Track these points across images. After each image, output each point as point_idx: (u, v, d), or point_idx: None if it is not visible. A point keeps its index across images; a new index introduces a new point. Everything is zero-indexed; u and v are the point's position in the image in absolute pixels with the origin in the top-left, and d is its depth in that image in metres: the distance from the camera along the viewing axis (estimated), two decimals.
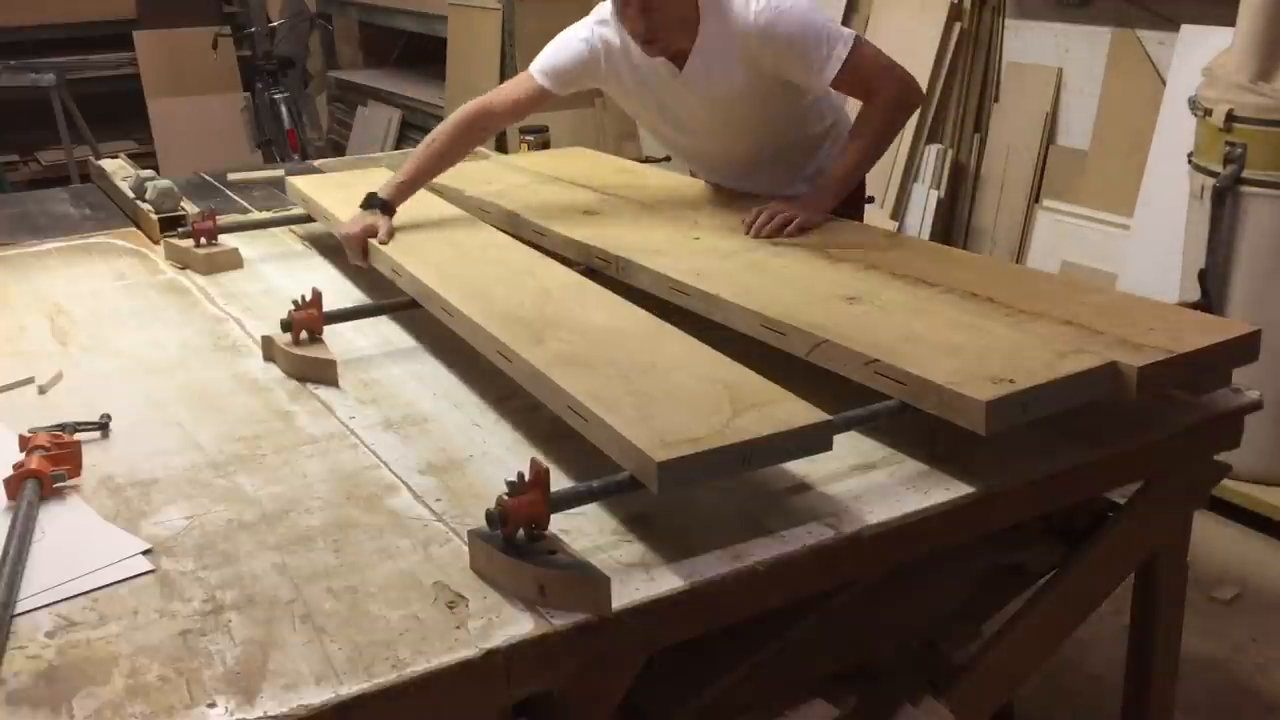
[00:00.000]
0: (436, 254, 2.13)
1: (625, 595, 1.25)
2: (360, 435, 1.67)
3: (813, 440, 1.39)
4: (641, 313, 1.80)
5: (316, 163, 3.69)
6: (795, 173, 2.52)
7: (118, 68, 6.79)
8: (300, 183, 2.72)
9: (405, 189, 2.34)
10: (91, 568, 1.32)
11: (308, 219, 2.74)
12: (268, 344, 1.95)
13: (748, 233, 2.23)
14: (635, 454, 1.33)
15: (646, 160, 3.63)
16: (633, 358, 1.60)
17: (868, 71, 2.25)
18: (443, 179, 2.49)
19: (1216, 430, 1.75)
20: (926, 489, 1.48)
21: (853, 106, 2.46)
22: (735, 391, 1.47)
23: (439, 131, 2.39)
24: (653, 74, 2.33)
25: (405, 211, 2.32)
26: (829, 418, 1.41)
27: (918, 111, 2.72)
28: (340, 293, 2.16)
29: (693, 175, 2.78)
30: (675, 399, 1.45)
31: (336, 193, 2.59)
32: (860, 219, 2.66)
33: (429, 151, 2.36)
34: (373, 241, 2.21)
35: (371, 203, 2.30)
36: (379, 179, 2.64)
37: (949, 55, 4.45)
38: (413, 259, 2.09)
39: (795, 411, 1.41)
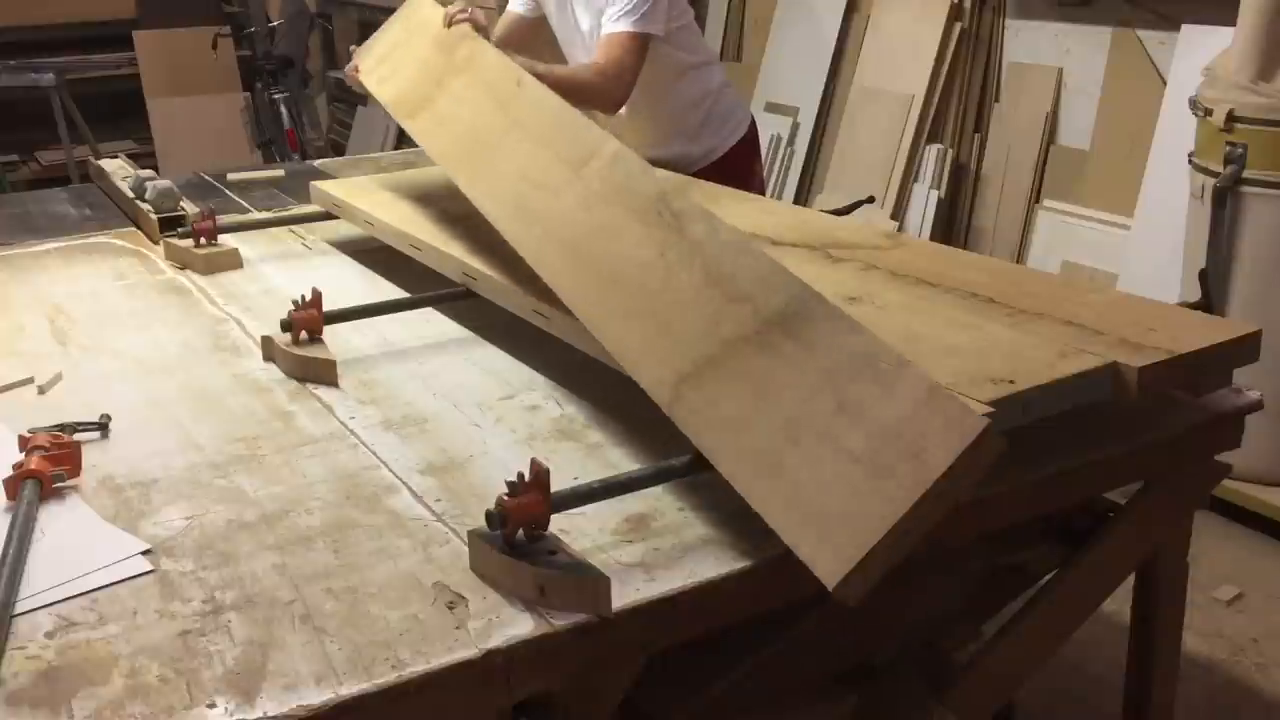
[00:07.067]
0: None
1: (625, 595, 1.25)
2: (360, 435, 1.67)
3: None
4: None
5: (317, 163, 3.69)
6: (665, 133, 2.90)
7: (118, 68, 6.79)
8: (329, 187, 2.71)
9: None
10: (91, 568, 1.32)
11: (307, 219, 2.74)
12: (268, 344, 1.95)
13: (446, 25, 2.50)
14: None
15: None
16: None
17: (615, 54, 2.58)
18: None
19: (1216, 430, 1.75)
20: None
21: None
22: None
23: None
24: None
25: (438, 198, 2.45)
26: (990, 409, 1.39)
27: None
28: (340, 293, 2.16)
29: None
30: None
31: (371, 196, 2.58)
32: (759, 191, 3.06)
33: None
34: (443, 248, 2.17)
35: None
36: (401, 181, 2.69)
37: (949, 55, 4.45)
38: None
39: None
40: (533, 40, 2.99)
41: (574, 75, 2.62)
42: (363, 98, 6.97)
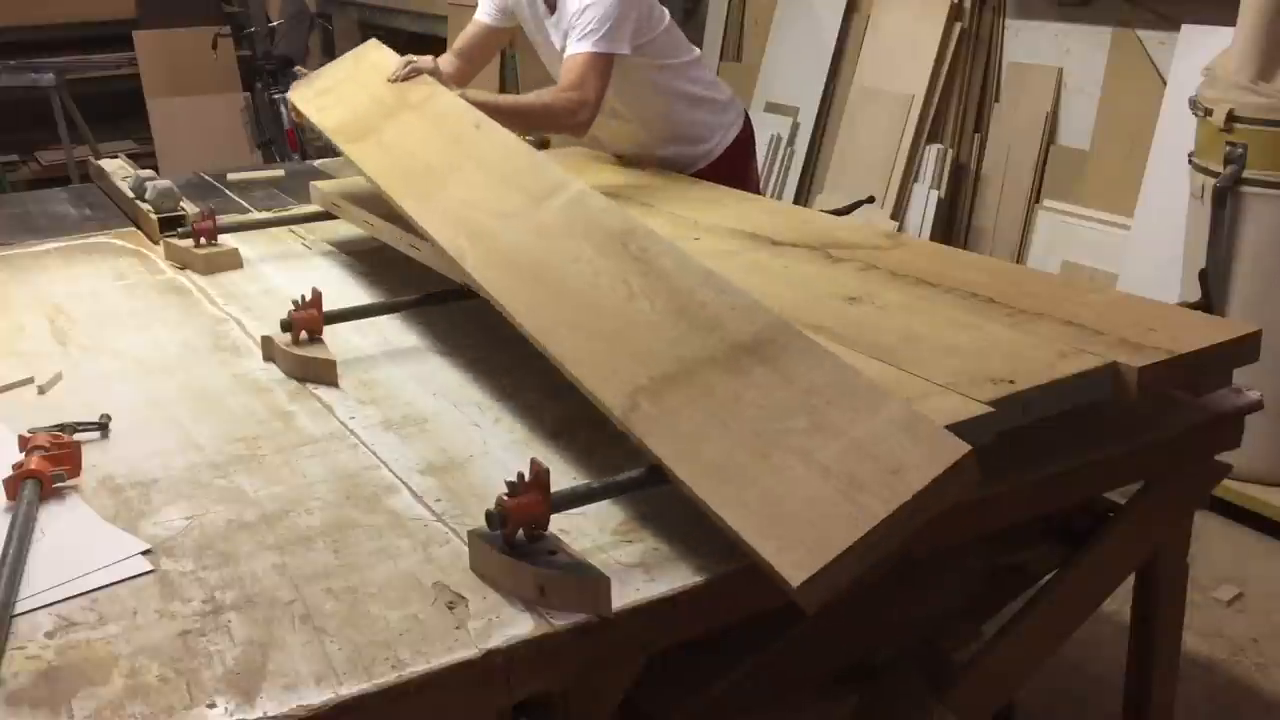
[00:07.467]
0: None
1: (625, 595, 1.25)
2: (360, 435, 1.67)
3: (976, 431, 1.38)
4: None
5: (317, 163, 3.69)
6: (661, 136, 2.86)
7: (118, 68, 6.78)
8: (329, 187, 2.71)
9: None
10: (91, 568, 1.32)
11: (307, 219, 2.74)
12: (268, 344, 1.95)
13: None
14: None
15: None
16: None
17: (578, 75, 2.52)
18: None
19: (1216, 430, 1.75)
20: None
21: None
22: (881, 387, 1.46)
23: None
24: (538, 10, 2.71)
25: None
26: (990, 409, 1.41)
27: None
28: (340, 293, 2.16)
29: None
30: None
31: (371, 196, 2.57)
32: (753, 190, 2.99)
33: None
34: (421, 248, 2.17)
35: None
36: None
37: (949, 55, 4.45)
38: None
39: (946, 404, 1.42)
40: (496, 50, 3.00)
41: (537, 100, 2.60)
42: None
